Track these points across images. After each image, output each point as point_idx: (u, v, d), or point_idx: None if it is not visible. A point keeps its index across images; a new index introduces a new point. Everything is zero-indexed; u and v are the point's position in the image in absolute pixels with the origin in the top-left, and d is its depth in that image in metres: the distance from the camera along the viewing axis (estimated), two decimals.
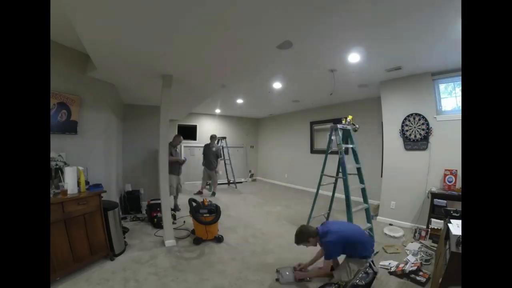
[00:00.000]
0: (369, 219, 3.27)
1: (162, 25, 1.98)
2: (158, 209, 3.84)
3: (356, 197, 3.49)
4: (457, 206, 2.92)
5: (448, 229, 1.96)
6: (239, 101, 6.27)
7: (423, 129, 3.73)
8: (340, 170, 3.40)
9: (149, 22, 1.94)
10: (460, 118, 3.32)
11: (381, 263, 2.62)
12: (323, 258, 2.28)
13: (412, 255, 2.78)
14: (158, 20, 1.91)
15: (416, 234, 3.36)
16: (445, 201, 3.22)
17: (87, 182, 2.80)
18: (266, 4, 1.65)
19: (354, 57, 3.23)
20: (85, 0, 1.64)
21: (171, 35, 2.17)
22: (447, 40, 2.64)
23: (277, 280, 2.36)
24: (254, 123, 9.95)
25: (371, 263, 2.08)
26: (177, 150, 5.02)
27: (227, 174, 8.08)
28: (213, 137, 6.54)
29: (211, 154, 6.39)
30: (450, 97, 3.68)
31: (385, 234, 3.48)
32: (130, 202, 4.50)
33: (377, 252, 2.87)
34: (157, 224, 3.68)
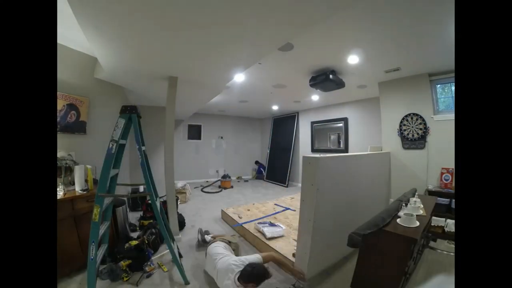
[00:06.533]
0: None
1: (169, 34, 2.10)
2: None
3: None
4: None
5: None
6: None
7: (420, 129, 3.82)
8: None
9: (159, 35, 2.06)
10: None
11: None
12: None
13: None
14: (167, 32, 2.03)
15: None
16: (447, 200, 3.31)
17: (95, 180, 2.91)
18: (268, 9, 1.74)
19: (353, 59, 3.33)
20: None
21: (178, 43, 2.28)
22: (444, 42, 2.72)
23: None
24: (258, 123, 10.08)
25: None
26: None
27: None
28: None
29: None
30: (447, 97, 3.78)
31: None
32: (136, 199, 4.62)
33: None
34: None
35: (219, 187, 7.42)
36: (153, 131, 5.43)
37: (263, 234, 3.11)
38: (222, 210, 4.36)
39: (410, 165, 3.96)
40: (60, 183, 2.51)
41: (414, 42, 2.80)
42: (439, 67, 3.54)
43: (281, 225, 3.36)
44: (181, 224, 3.63)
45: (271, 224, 3.36)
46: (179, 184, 5.63)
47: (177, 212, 3.45)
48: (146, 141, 5.24)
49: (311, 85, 4.01)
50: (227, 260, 2.13)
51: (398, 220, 1.99)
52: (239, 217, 3.88)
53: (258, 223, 3.44)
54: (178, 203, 4.27)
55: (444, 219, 3.21)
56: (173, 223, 3.25)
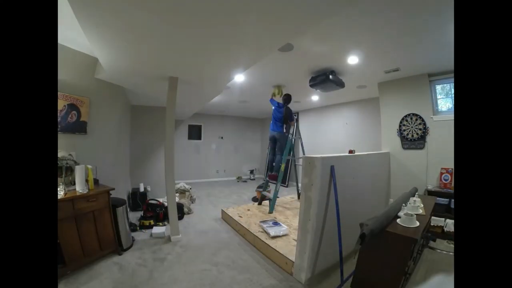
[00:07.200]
0: None
1: (170, 35, 2.11)
2: (158, 211, 3.93)
3: None
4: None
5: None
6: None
7: (420, 129, 3.83)
8: None
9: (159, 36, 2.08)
10: None
11: None
12: None
13: None
14: (167, 33, 2.04)
15: None
16: (447, 199, 3.33)
17: (96, 180, 2.92)
18: (269, 10, 1.75)
19: (353, 60, 3.34)
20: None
21: (178, 44, 2.29)
22: (443, 42, 2.74)
23: None
24: (258, 123, 10.08)
25: None
26: None
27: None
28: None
29: None
30: (446, 98, 3.79)
31: None
32: (136, 199, 4.64)
33: None
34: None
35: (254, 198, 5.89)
36: (153, 131, 5.45)
37: (266, 233, 3.11)
38: (222, 210, 4.36)
39: (410, 165, 3.97)
40: (60, 183, 2.52)
41: (413, 42, 2.81)
42: (438, 67, 3.55)
43: (283, 225, 3.38)
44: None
45: (275, 223, 3.38)
46: (179, 184, 5.60)
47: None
48: (147, 142, 5.38)
49: (311, 86, 4.02)
50: None
51: (398, 220, 2.00)
52: (239, 216, 3.89)
53: (261, 222, 3.46)
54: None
55: (443, 219, 3.23)
56: (173, 223, 3.27)
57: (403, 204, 2.22)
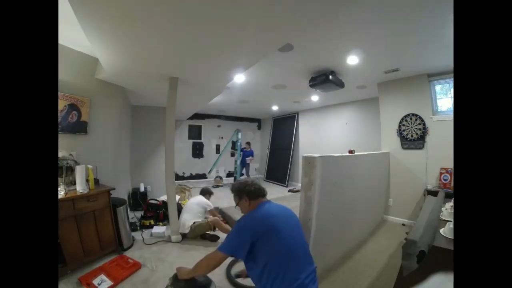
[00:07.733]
0: None
1: (170, 35, 2.11)
2: (158, 211, 3.93)
3: None
4: None
5: None
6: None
7: (419, 129, 3.84)
8: None
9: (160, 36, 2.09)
10: None
11: None
12: None
13: None
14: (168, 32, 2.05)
15: None
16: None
17: (96, 180, 2.93)
18: (269, 11, 1.75)
19: (353, 60, 3.34)
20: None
21: (179, 44, 2.30)
22: (442, 43, 2.74)
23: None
24: (259, 123, 10.08)
25: None
26: None
27: None
28: None
29: None
30: (445, 98, 3.79)
31: None
32: (137, 199, 4.65)
33: None
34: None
35: None
36: (153, 131, 5.46)
37: None
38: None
39: (409, 165, 3.98)
40: (61, 183, 2.52)
41: (413, 42, 2.82)
42: (438, 67, 3.55)
43: None
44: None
45: None
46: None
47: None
48: (147, 142, 5.38)
49: (311, 86, 4.03)
50: None
51: (441, 230, 1.75)
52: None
53: None
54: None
55: None
56: (174, 223, 3.27)
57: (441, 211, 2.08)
